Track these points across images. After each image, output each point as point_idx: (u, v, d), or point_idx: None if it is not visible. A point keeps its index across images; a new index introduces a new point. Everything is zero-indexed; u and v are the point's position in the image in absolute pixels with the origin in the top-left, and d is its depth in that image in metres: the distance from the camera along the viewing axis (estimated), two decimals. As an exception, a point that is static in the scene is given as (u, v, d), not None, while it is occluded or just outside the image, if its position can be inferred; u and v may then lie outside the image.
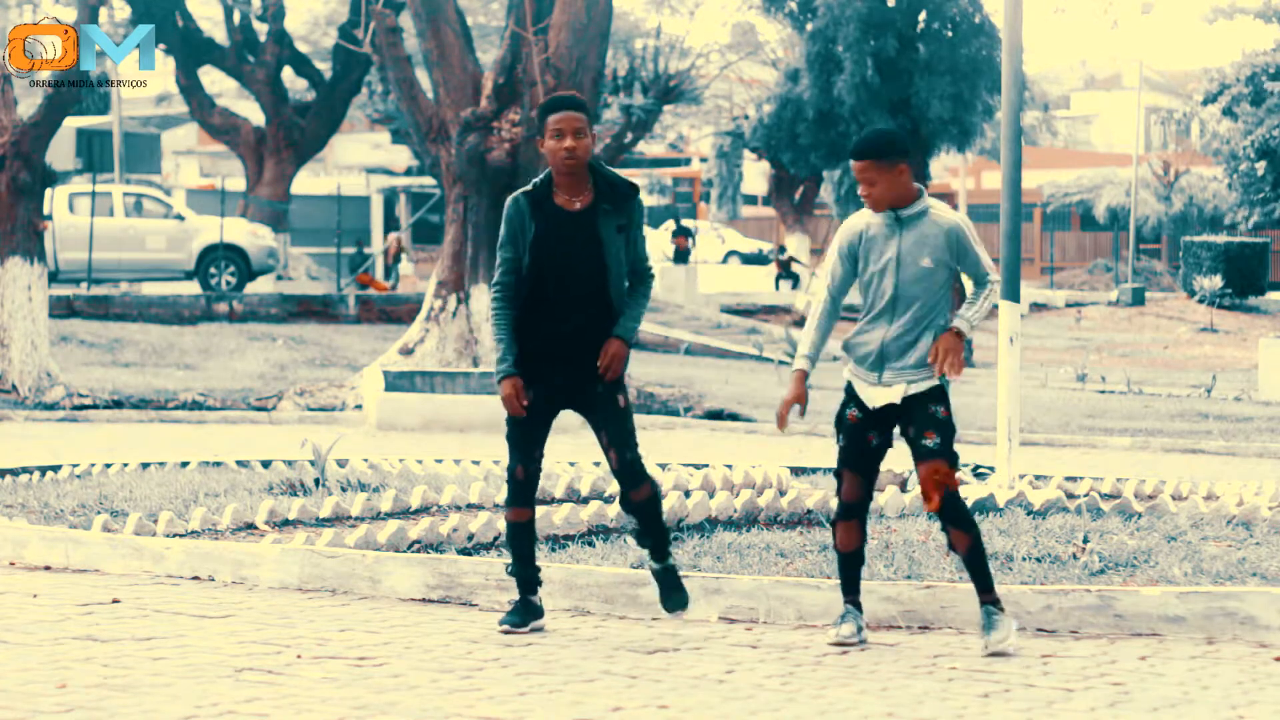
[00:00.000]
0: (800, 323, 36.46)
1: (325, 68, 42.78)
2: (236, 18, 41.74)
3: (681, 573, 7.42)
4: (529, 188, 7.09)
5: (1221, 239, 46.28)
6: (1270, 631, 7.11)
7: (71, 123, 40.20)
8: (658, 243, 49.36)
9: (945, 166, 65.85)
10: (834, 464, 7.13)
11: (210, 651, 6.69)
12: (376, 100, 40.78)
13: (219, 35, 43.19)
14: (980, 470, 11.89)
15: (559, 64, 19.27)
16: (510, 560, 7.22)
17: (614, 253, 7.03)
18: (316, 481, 10.48)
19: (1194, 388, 24.68)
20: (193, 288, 32.84)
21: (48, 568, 8.67)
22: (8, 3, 56.32)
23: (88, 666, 6.40)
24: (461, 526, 8.84)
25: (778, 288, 46.75)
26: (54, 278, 30.32)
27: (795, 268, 47.26)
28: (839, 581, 7.12)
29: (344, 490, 10.38)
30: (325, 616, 7.48)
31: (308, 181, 52.13)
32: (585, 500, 9.98)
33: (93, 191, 32.93)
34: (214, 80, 49.50)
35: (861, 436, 6.97)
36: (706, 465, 11.62)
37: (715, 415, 18.89)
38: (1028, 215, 58.61)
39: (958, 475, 6.89)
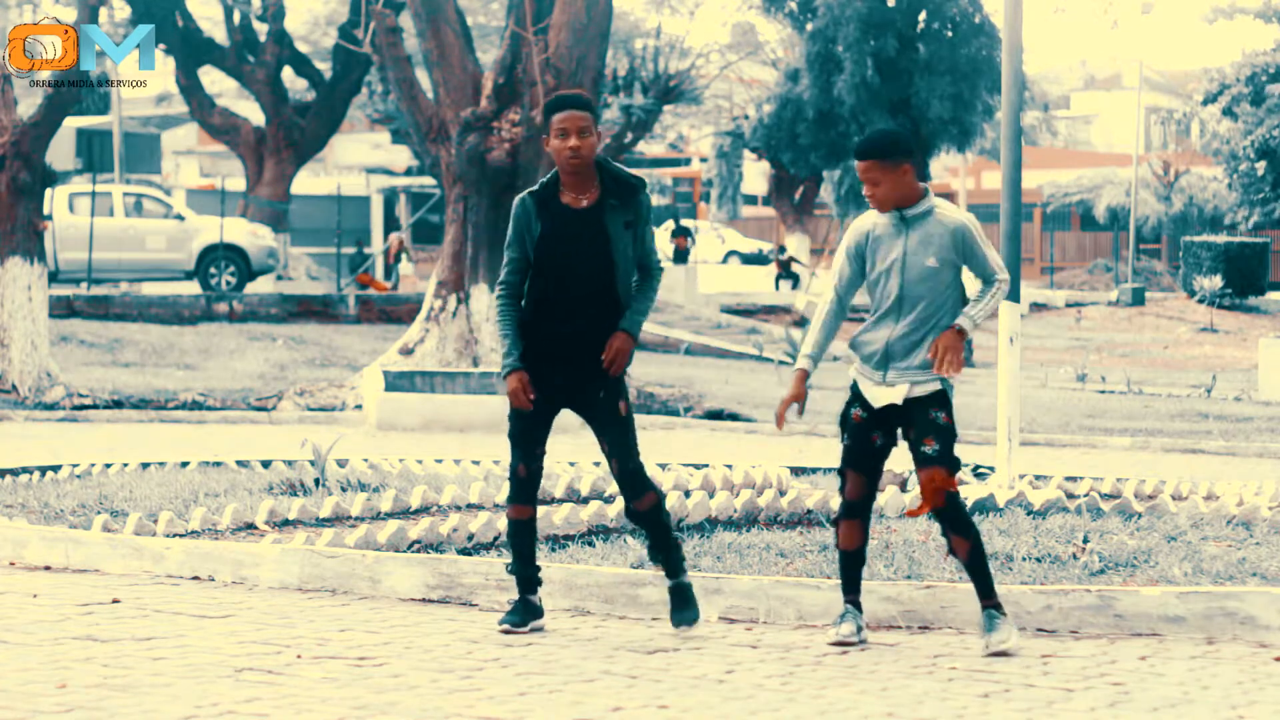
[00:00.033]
0: (800, 323, 36.46)
1: (325, 68, 42.78)
2: (236, 18, 41.75)
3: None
4: (535, 187, 7.10)
5: (1221, 239, 46.28)
6: (1270, 631, 7.11)
7: (71, 123, 40.20)
8: (658, 242, 49.27)
9: (945, 166, 65.88)
10: (834, 464, 7.14)
11: (210, 651, 6.69)
12: (376, 100, 40.83)
13: (219, 35, 43.19)
14: (980, 470, 11.90)
15: (559, 64, 19.27)
16: (511, 559, 7.23)
17: (621, 249, 7.03)
18: (316, 481, 10.48)
19: (1194, 388, 24.68)
20: (193, 288, 32.83)
21: (48, 568, 8.67)
22: (8, 3, 56.33)
23: (88, 666, 6.40)
24: (461, 526, 8.84)
25: (778, 288, 46.74)
26: (54, 278, 30.32)
27: (795, 268, 47.26)
28: (839, 581, 7.12)
29: (344, 490, 10.38)
30: (325, 616, 7.48)
31: (308, 181, 52.13)
32: (585, 500, 9.98)
33: (93, 191, 32.93)
34: (214, 80, 49.51)
35: (866, 436, 6.97)
36: (706, 465, 11.62)
37: (715, 415, 18.89)
38: (1028, 215, 58.62)
39: (958, 477, 6.89)
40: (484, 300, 19.49)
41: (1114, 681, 6.37)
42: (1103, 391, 23.62)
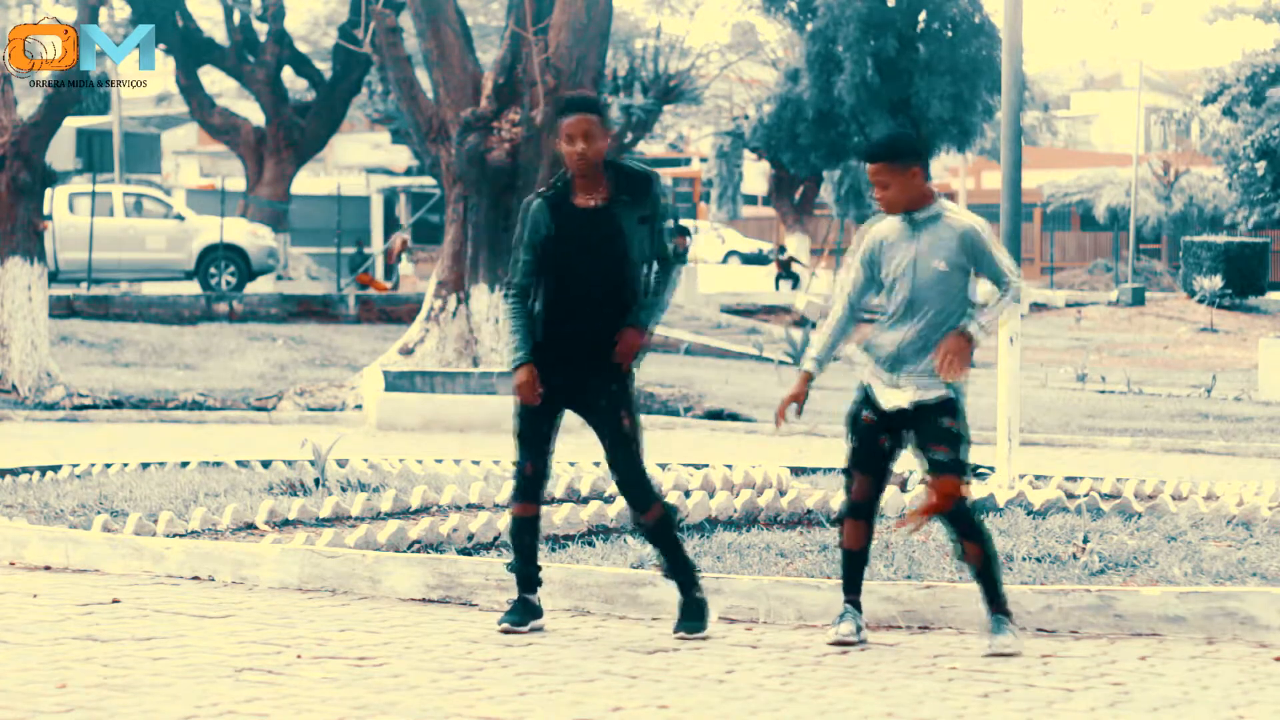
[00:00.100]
0: (800, 323, 36.45)
1: (325, 68, 42.77)
2: (236, 18, 41.74)
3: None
4: (547, 189, 7.09)
5: (1221, 239, 46.26)
6: (1270, 631, 7.11)
7: (71, 123, 40.18)
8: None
9: (945, 166, 65.89)
10: (834, 464, 7.13)
11: (210, 651, 6.69)
12: (376, 100, 40.85)
13: (219, 35, 43.19)
14: (980, 470, 11.89)
15: (559, 64, 19.26)
16: (511, 557, 7.22)
17: (637, 244, 7.02)
18: (316, 481, 10.48)
19: (1194, 388, 24.67)
20: (193, 288, 32.83)
21: (48, 568, 8.67)
22: (8, 3, 56.34)
23: (88, 666, 6.40)
24: (461, 526, 8.84)
25: (778, 288, 46.75)
26: (54, 278, 30.31)
27: (795, 268, 47.25)
28: (840, 580, 7.11)
29: (344, 490, 10.38)
30: (325, 616, 7.48)
31: (308, 181, 52.11)
32: (585, 500, 9.98)
33: (93, 191, 32.93)
34: (214, 80, 49.50)
35: (874, 439, 6.95)
36: (706, 465, 11.61)
37: (715, 415, 18.89)
38: (1028, 215, 58.62)
39: (965, 482, 6.86)
40: (484, 300, 19.47)
41: (1114, 681, 6.37)
42: (1103, 391, 23.61)
